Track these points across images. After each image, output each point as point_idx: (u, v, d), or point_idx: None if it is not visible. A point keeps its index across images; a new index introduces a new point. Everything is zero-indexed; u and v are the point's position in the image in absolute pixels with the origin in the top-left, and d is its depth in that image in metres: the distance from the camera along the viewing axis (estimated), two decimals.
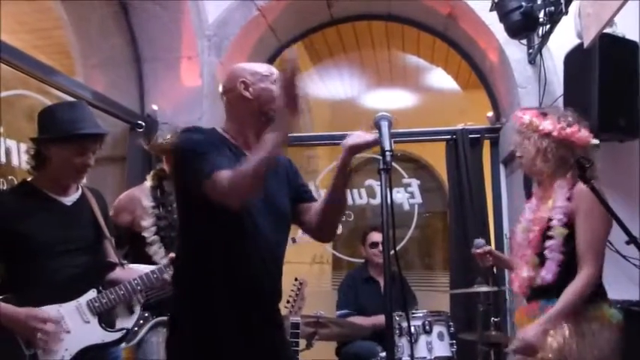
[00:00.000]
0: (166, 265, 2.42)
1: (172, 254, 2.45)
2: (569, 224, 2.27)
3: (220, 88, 2.02)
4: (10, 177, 3.22)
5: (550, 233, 2.29)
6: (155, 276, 2.38)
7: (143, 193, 2.89)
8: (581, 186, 2.19)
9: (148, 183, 2.94)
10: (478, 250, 2.72)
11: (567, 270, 2.24)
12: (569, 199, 2.29)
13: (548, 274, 2.27)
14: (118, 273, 2.37)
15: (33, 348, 2.02)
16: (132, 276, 2.33)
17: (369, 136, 1.81)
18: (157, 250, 2.77)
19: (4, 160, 3.21)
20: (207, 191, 1.70)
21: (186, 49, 4.23)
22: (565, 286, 2.20)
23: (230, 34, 4.35)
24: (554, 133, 2.35)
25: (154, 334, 2.70)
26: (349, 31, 5.39)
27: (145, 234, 2.79)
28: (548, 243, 2.28)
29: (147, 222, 2.81)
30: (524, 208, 2.55)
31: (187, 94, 4.24)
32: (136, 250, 2.79)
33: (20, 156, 3.27)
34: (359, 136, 1.83)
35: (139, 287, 2.32)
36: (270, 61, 4.91)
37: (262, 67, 2.01)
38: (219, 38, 4.34)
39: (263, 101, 1.92)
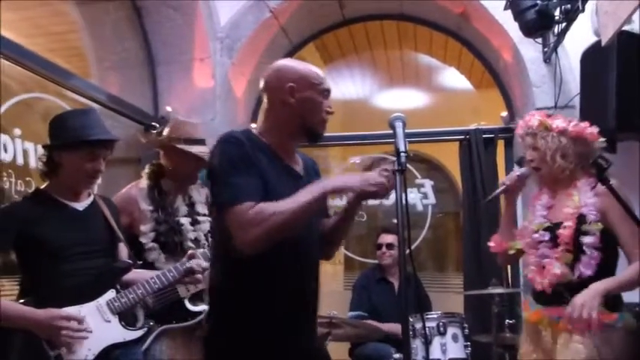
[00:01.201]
0: (183, 263, 2.39)
1: (191, 251, 2.44)
2: (601, 220, 2.26)
3: (262, 84, 1.89)
4: (27, 178, 3.26)
5: (586, 229, 2.26)
6: (172, 274, 2.35)
7: (140, 194, 2.68)
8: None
9: (145, 182, 2.73)
10: (504, 180, 2.64)
11: (600, 269, 2.23)
12: (595, 195, 2.29)
13: (587, 269, 2.23)
14: (133, 275, 2.37)
15: (57, 349, 2.03)
16: (147, 277, 2.33)
17: (379, 182, 1.71)
18: (156, 257, 2.61)
19: (21, 161, 3.24)
20: (228, 219, 1.64)
21: (198, 51, 4.26)
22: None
23: (242, 36, 4.37)
24: (570, 129, 2.37)
25: (158, 343, 2.59)
26: (361, 31, 5.38)
27: (143, 240, 2.61)
28: (586, 239, 2.25)
29: (145, 227, 2.62)
30: (534, 206, 2.51)
31: (200, 96, 4.26)
32: (137, 256, 2.57)
33: (37, 158, 3.31)
34: (370, 182, 1.71)
35: (156, 286, 2.31)
36: None
37: (312, 73, 1.87)
38: (232, 40, 4.36)
39: (307, 111, 1.83)
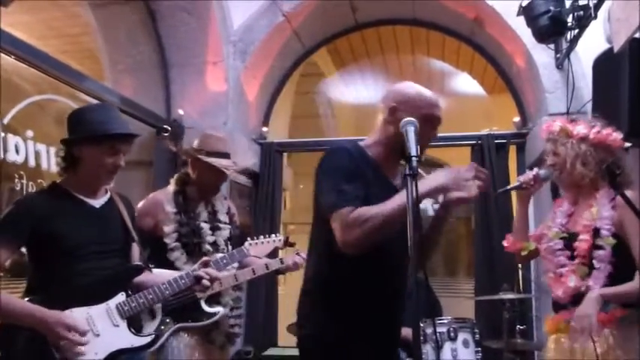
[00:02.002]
0: (194, 270, 2.41)
1: (205, 258, 2.45)
2: (616, 234, 2.24)
3: (383, 98, 1.99)
4: (39, 180, 3.28)
5: (599, 243, 2.25)
6: (183, 281, 2.32)
7: (166, 198, 2.84)
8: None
9: (172, 187, 2.90)
10: (521, 178, 2.55)
11: (613, 282, 2.23)
12: (613, 207, 2.27)
13: (596, 284, 2.24)
14: (143, 277, 2.34)
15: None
16: (158, 280, 2.31)
17: (467, 176, 1.77)
18: (178, 257, 2.74)
19: (33, 163, 3.26)
20: (332, 224, 1.76)
21: (211, 54, 4.28)
22: None
23: (255, 40, 4.39)
24: (591, 136, 2.34)
25: (174, 340, 2.67)
26: (373, 35, 5.39)
27: (167, 240, 2.75)
28: (597, 253, 2.25)
29: (168, 228, 2.77)
30: (555, 212, 2.50)
31: (213, 99, 4.29)
32: (158, 255, 2.74)
33: (50, 160, 3.33)
34: (460, 176, 1.77)
35: (167, 292, 2.28)
36: (295, 65, 4.94)
37: (422, 97, 1.93)
38: (245, 44, 4.38)
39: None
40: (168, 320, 2.64)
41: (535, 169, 2.51)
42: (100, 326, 2.10)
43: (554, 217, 2.48)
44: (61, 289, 2.08)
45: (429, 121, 1.91)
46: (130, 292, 2.23)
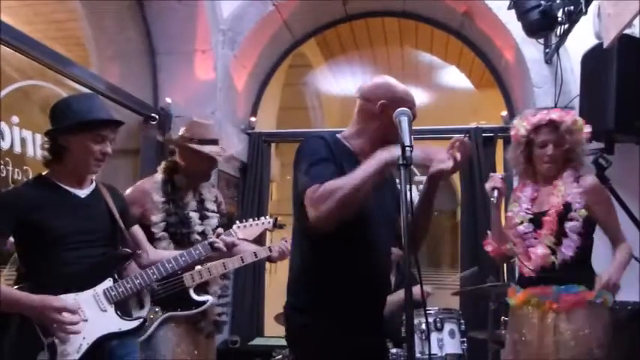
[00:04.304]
0: (181, 255, 2.44)
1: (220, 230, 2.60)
2: (586, 208, 2.41)
3: (358, 91, 2.02)
4: (25, 167, 3.24)
5: (571, 215, 2.40)
6: (171, 265, 2.38)
7: (154, 187, 2.80)
8: (589, 181, 2.44)
9: (159, 176, 2.87)
10: (495, 185, 2.54)
11: (583, 252, 2.40)
12: (580, 187, 2.44)
13: (568, 250, 2.39)
14: (148, 259, 2.44)
15: (50, 336, 2.01)
16: (159, 259, 2.39)
17: (436, 150, 1.83)
18: (166, 247, 2.71)
19: (19, 150, 3.22)
20: (305, 203, 1.76)
21: (200, 42, 4.25)
22: (580, 270, 2.40)
23: (245, 29, 4.36)
24: (587, 130, 2.50)
25: (162, 329, 2.66)
26: (362, 27, 5.38)
27: (154, 229, 2.72)
28: (569, 224, 2.40)
29: (156, 217, 2.74)
30: (519, 197, 2.60)
31: (201, 88, 4.25)
32: None
33: (35, 146, 3.28)
34: (439, 156, 1.82)
35: (154, 276, 2.32)
36: (284, 56, 4.93)
37: (407, 96, 1.98)
38: (234, 33, 4.36)
39: (389, 129, 1.86)
40: (157, 309, 2.64)
41: (495, 174, 2.57)
42: (87, 312, 2.10)
43: (519, 202, 2.58)
44: (48, 278, 2.09)
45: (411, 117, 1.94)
46: (117, 278, 2.24)
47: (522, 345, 2.46)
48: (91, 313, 2.12)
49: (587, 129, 2.49)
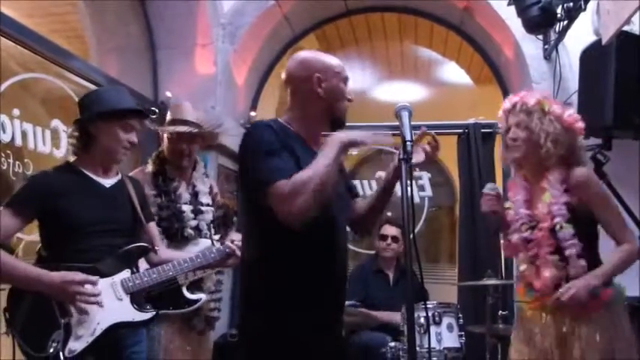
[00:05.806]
0: (197, 256, 2.45)
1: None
2: (572, 216, 2.23)
3: (286, 75, 1.94)
4: (25, 160, 3.23)
5: (560, 235, 2.24)
6: (187, 264, 2.41)
7: (144, 179, 2.74)
8: (576, 176, 2.23)
9: (150, 168, 2.82)
10: (490, 192, 2.48)
11: (589, 251, 2.25)
12: (567, 190, 2.25)
13: (577, 268, 2.21)
14: (159, 257, 2.45)
15: (68, 316, 2.06)
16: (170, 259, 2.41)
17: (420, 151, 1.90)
18: None
19: (20, 143, 3.22)
20: (269, 201, 1.67)
21: (200, 36, 4.25)
22: (589, 266, 2.21)
23: (245, 23, 4.37)
24: (565, 117, 2.30)
25: (156, 327, 2.63)
26: (362, 22, 5.39)
27: None
28: (565, 244, 2.23)
29: None
30: (517, 201, 2.41)
31: (201, 82, 4.26)
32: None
33: (36, 139, 3.28)
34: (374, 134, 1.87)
35: (170, 273, 2.36)
36: (284, 50, 4.93)
37: (334, 61, 1.93)
38: (234, 27, 4.36)
39: (333, 100, 1.88)
40: (149, 307, 2.60)
41: (488, 186, 2.50)
42: (104, 298, 2.14)
43: (516, 205, 2.41)
44: (67, 264, 2.12)
45: (344, 81, 1.94)
46: (135, 270, 2.30)
47: (534, 349, 2.31)
48: (107, 301, 2.16)
49: (558, 110, 2.29)
